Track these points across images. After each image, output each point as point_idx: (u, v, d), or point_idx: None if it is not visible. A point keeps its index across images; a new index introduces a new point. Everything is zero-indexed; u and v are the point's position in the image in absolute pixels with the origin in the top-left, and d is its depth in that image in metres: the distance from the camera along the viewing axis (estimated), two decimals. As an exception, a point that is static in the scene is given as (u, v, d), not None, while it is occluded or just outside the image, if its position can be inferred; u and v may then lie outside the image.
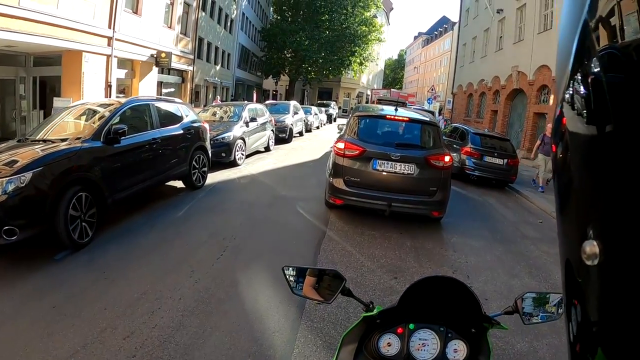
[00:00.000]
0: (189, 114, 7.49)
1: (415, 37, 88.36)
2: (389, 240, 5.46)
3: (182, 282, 3.86)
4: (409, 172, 5.60)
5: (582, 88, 0.59)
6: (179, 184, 7.52)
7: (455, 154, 9.99)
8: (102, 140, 5.04)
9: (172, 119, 6.91)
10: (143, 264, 4.23)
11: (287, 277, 1.35)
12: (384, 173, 5.62)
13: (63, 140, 5.02)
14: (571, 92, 0.63)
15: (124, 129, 5.24)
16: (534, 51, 17.85)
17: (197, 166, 7.49)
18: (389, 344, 1.25)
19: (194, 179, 7.38)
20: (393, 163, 5.58)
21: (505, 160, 10.60)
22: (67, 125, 5.87)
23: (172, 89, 22.08)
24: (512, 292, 4.24)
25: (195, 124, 7.47)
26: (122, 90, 16.61)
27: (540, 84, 17.22)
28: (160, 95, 19.49)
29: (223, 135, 9.64)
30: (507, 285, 4.46)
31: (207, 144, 7.97)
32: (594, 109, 0.55)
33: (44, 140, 5.11)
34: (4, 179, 3.88)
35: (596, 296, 0.56)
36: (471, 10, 30.34)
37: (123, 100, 6.15)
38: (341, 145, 5.76)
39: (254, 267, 4.36)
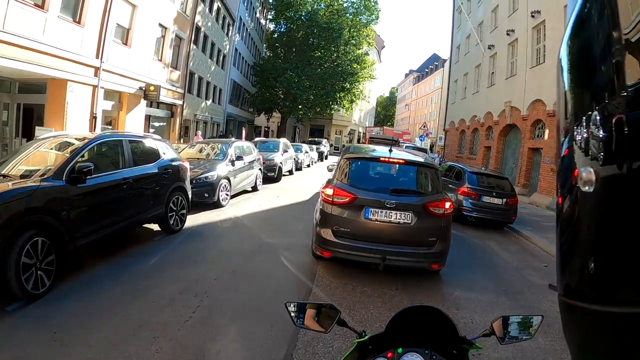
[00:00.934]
0: (166, 151, 6.97)
1: (407, 75, 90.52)
2: (383, 298, 4.84)
3: (141, 351, 3.26)
4: (406, 221, 5.00)
5: (601, 131, 0.61)
6: (155, 226, 6.92)
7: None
8: (64, 179, 4.53)
9: (147, 156, 6.39)
10: (101, 325, 3.63)
11: (290, 311, 1.46)
12: (378, 222, 5.00)
13: (24, 177, 4.55)
14: (585, 135, 0.66)
15: (90, 168, 4.75)
16: (527, 86, 17.83)
17: (175, 208, 6.91)
18: None
19: (171, 222, 6.79)
20: (387, 211, 4.97)
21: (504, 200, 10.15)
22: (33, 160, 5.32)
23: (163, 123, 21.75)
24: (526, 356, 3.76)
25: (174, 163, 6.95)
26: (109, 122, 16.24)
27: (534, 118, 17.10)
28: (149, 129, 19.15)
29: (206, 175, 9.12)
30: (519, 348, 3.82)
31: (187, 185, 7.42)
32: (616, 151, 0.56)
33: (3, 176, 4.64)
34: None
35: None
36: (462, 46, 30.90)
37: (92, 135, 5.66)
38: (330, 191, 5.16)
39: (224, 335, 3.73)
